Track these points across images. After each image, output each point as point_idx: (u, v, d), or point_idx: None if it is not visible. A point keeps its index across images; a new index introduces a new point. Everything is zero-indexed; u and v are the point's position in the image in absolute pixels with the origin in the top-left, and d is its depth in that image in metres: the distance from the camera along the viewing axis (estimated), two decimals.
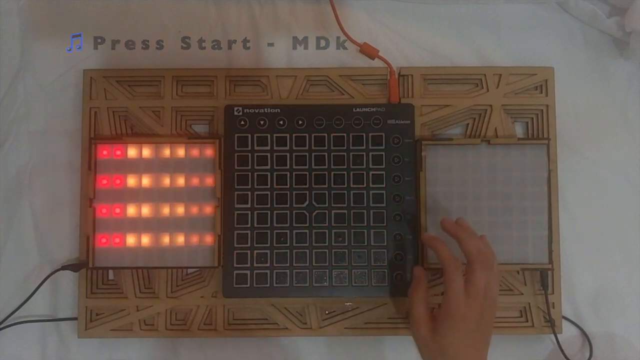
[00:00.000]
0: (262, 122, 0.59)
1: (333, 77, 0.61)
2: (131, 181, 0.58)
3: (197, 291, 0.59)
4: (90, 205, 0.58)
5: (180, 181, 0.58)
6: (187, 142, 0.59)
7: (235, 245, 0.58)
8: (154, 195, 0.58)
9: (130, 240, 0.58)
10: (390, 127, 0.59)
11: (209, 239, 0.58)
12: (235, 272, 0.58)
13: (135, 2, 0.64)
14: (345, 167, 0.59)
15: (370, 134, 0.59)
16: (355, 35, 0.61)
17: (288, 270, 0.58)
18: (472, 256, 0.50)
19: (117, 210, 0.58)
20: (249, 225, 0.58)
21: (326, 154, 0.59)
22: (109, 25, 0.63)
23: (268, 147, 0.59)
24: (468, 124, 0.61)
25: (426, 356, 0.50)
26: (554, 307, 0.59)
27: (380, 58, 0.61)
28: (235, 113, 0.59)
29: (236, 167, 0.59)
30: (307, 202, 0.59)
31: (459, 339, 0.48)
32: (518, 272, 0.59)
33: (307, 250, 0.58)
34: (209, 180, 0.58)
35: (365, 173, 0.59)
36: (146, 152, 0.59)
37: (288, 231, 0.58)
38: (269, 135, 0.59)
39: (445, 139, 0.60)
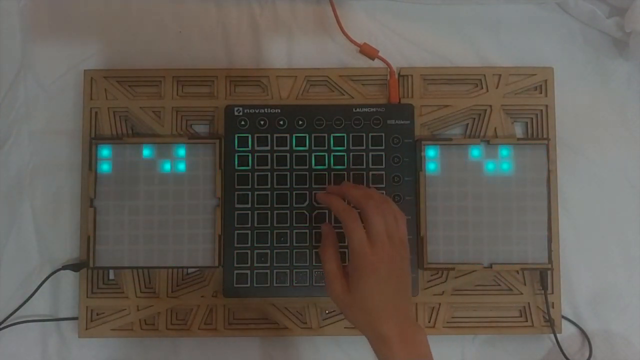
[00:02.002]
0: (262, 122, 0.59)
1: (333, 77, 0.61)
2: (132, 181, 0.58)
3: (197, 291, 0.59)
4: (90, 205, 0.58)
5: (181, 181, 0.58)
6: (188, 142, 0.59)
7: (236, 245, 0.58)
8: (154, 195, 0.58)
9: (131, 240, 0.58)
10: (390, 127, 0.59)
11: (209, 239, 0.58)
12: (236, 272, 0.58)
13: (135, 2, 0.64)
14: (345, 167, 0.59)
15: (370, 134, 0.59)
16: (355, 36, 0.61)
17: (288, 270, 0.58)
18: (362, 202, 0.48)
19: (118, 210, 0.58)
20: (249, 225, 0.58)
21: (326, 154, 0.59)
22: (109, 25, 0.63)
23: (268, 147, 0.59)
24: (468, 124, 0.61)
25: (347, 314, 0.48)
26: (553, 307, 0.59)
27: (380, 58, 0.61)
28: (236, 113, 0.59)
29: (236, 167, 0.59)
30: (307, 202, 0.59)
31: (374, 290, 0.46)
32: (518, 272, 0.60)
33: (307, 250, 0.58)
34: (209, 180, 0.59)
35: (365, 173, 0.59)
36: (147, 152, 0.59)
37: (288, 231, 0.58)
38: (269, 136, 0.59)
39: (445, 139, 0.60)
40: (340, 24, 0.61)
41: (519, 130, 0.62)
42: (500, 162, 0.59)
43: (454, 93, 0.61)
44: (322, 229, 0.53)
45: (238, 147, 0.59)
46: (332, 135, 0.59)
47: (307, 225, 0.58)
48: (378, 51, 0.61)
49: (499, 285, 0.60)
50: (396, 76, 0.61)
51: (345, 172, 0.59)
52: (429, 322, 0.59)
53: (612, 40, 0.64)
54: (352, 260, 0.47)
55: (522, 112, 0.61)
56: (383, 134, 0.59)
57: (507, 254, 0.58)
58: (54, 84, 0.62)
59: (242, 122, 0.59)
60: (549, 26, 0.64)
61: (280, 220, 0.58)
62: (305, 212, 0.59)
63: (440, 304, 0.59)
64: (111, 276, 0.61)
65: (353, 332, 0.59)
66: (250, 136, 0.59)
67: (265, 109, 0.60)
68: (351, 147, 0.59)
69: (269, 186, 0.59)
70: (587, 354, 0.60)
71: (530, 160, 0.59)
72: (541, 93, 0.61)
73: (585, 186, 0.62)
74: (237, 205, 0.59)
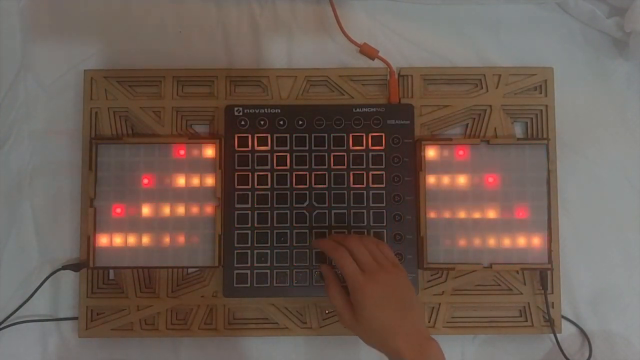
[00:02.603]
0: (262, 122, 0.59)
1: (333, 77, 0.61)
2: (132, 181, 0.58)
3: (197, 291, 0.59)
4: (90, 205, 0.58)
5: (181, 181, 0.59)
6: (188, 142, 0.59)
7: (236, 245, 0.58)
8: (155, 195, 0.58)
9: (131, 240, 0.58)
10: (390, 127, 0.59)
11: (209, 238, 0.58)
12: (236, 271, 0.58)
13: (135, 2, 0.64)
14: (345, 167, 0.59)
15: (370, 134, 0.59)
16: (355, 36, 0.61)
17: (288, 270, 0.58)
18: (343, 241, 0.53)
19: (118, 210, 0.58)
20: (249, 225, 0.58)
21: (326, 154, 0.59)
22: (109, 25, 0.63)
23: (268, 147, 0.59)
24: (468, 124, 0.61)
25: (362, 338, 0.51)
26: (553, 307, 0.59)
27: (380, 58, 0.61)
28: (236, 113, 0.59)
29: (236, 167, 0.59)
30: (307, 202, 0.59)
31: (375, 313, 0.49)
32: (518, 272, 0.60)
33: (307, 250, 0.58)
34: (209, 180, 0.59)
35: (365, 173, 0.59)
36: (147, 152, 0.59)
37: (288, 231, 0.58)
38: (269, 136, 0.59)
39: (445, 139, 0.60)
40: (340, 24, 0.61)
41: (519, 130, 0.62)
42: (500, 162, 0.59)
43: (454, 93, 0.61)
44: (322, 270, 0.56)
45: (238, 147, 0.59)
46: (332, 135, 0.59)
47: (307, 225, 0.58)
48: (378, 51, 0.61)
49: (499, 285, 0.60)
50: (396, 76, 0.61)
51: (345, 172, 0.59)
52: (429, 322, 0.59)
53: (612, 40, 0.64)
54: (351, 291, 0.51)
55: (522, 112, 0.61)
56: (383, 134, 0.59)
57: (507, 254, 0.58)
58: (54, 84, 0.62)
59: (242, 122, 0.59)
60: (549, 26, 0.64)
61: (280, 220, 0.58)
62: (305, 212, 0.59)
63: (440, 304, 0.59)
64: (111, 276, 0.61)
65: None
66: (250, 136, 0.59)
67: (265, 109, 0.60)
68: (351, 147, 0.59)
69: (269, 186, 0.59)
70: (587, 354, 0.60)
71: (530, 160, 0.59)
72: (541, 93, 0.61)
73: (585, 186, 0.62)
74: (237, 205, 0.59)
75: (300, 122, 0.59)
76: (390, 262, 0.52)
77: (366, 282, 0.50)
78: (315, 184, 0.59)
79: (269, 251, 0.58)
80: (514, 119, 0.61)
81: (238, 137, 0.59)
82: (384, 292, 0.50)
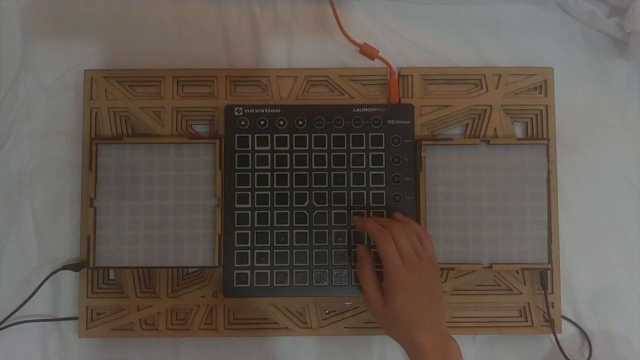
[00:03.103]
0: (262, 122, 0.59)
1: (333, 77, 0.61)
2: (132, 181, 0.58)
3: (197, 291, 0.59)
4: (91, 205, 0.58)
5: (181, 181, 0.59)
6: (188, 142, 0.59)
7: (236, 245, 0.58)
8: (155, 195, 0.58)
9: (131, 240, 0.58)
10: (390, 127, 0.59)
11: (209, 238, 0.58)
12: (236, 271, 0.58)
13: (135, 2, 0.64)
14: (345, 167, 0.59)
15: (370, 134, 0.59)
16: (355, 36, 0.61)
17: (288, 270, 0.58)
18: (386, 226, 0.53)
19: (118, 210, 0.58)
20: (249, 225, 0.58)
21: (326, 154, 0.59)
22: (109, 25, 0.63)
23: (268, 147, 0.59)
24: (467, 124, 0.61)
25: (384, 326, 0.52)
26: (553, 307, 0.59)
27: (380, 58, 0.61)
28: (236, 113, 0.60)
29: (236, 167, 0.59)
30: (307, 202, 0.59)
31: (406, 303, 0.50)
32: (517, 272, 0.60)
33: (307, 250, 0.58)
34: (209, 180, 0.59)
35: (365, 173, 0.59)
36: (147, 152, 0.59)
37: (288, 231, 0.58)
38: (269, 136, 0.59)
39: (445, 139, 0.60)
40: (340, 24, 0.61)
41: (519, 130, 0.62)
42: (500, 162, 0.59)
43: (454, 93, 0.61)
44: (358, 249, 0.56)
45: (238, 147, 0.59)
46: (332, 135, 0.59)
47: (307, 225, 0.58)
48: (378, 51, 0.61)
49: (499, 285, 0.60)
50: (396, 76, 0.61)
51: (346, 172, 0.59)
52: None
53: (612, 40, 0.64)
54: (386, 277, 0.51)
55: (522, 112, 0.61)
56: (383, 134, 0.59)
57: (507, 254, 0.58)
58: (54, 84, 0.62)
59: (242, 122, 0.59)
60: (549, 26, 0.64)
61: (280, 220, 0.58)
62: (305, 212, 0.59)
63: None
64: (111, 276, 0.61)
65: (353, 332, 0.59)
66: (250, 136, 0.59)
67: (265, 109, 0.60)
68: (351, 147, 0.59)
69: (269, 186, 0.59)
70: (587, 354, 0.60)
71: (530, 160, 0.59)
72: (541, 93, 0.61)
73: (585, 186, 0.62)
74: (237, 205, 0.59)
75: (300, 122, 0.59)
76: (428, 256, 0.52)
77: (405, 271, 0.50)
78: (315, 184, 0.59)
79: (269, 251, 0.58)
80: (514, 119, 0.61)
81: (238, 137, 0.59)
82: (418, 285, 0.50)
